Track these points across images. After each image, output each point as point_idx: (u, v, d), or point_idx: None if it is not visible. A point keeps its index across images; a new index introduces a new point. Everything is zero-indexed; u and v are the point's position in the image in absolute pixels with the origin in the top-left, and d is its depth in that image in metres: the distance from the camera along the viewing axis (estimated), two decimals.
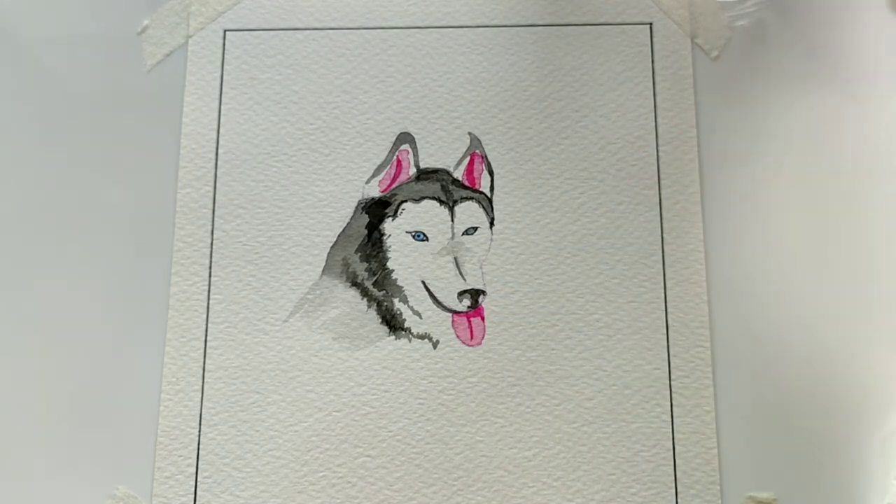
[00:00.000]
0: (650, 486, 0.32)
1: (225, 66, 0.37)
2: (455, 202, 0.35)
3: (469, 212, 0.35)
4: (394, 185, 0.36)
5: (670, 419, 0.33)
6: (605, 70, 0.37)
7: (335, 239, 0.35)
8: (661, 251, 0.35)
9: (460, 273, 0.34)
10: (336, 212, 0.35)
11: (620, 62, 0.37)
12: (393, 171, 0.36)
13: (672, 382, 0.33)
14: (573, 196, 0.35)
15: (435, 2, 0.38)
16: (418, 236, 0.35)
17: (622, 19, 0.37)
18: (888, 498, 0.32)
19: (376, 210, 0.35)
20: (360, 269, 0.35)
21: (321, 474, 0.32)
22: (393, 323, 0.34)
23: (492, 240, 0.35)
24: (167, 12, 0.39)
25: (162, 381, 0.33)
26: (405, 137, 0.36)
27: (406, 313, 0.34)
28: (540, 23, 0.38)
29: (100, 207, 0.36)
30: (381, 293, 0.34)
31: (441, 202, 0.35)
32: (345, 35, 0.38)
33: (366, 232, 0.35)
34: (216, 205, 0.35)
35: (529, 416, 0.33)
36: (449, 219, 0.35)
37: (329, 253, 0.35)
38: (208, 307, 0.34)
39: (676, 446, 0.32)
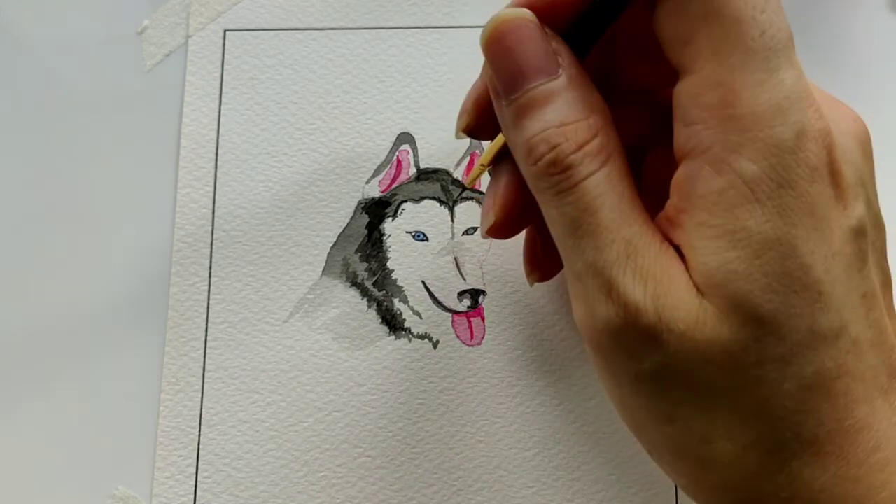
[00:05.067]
0: (650, 486, 0.32)
1: (225, 66, 0.37)
2: (455, 202, 0.35)
3: (469, 212, 0.35)
4: (394, 185, 0.36)
5: None
6: None
7: (335, 239, 0.35)
8: None
9: (460, 273, 0.34)
10: (336, 212, 0.35)
11: None
12: (393, 171, 0.36)
13: None
14: None
15: (435, 2, 0.38)
16: (418, 236, 0.35)
17: None
18: None
19: (376, 210, 0.35)
20: (360, 269, 0.35)
21: (321, 474, 0.32)
22: (393, 323, 0.34)
23: (492, 240, 0.35)
24: (167, 12, 0.38)
25: (162, 381, 0.33)
26: (405, 137, 0.36)
27: (406, 313, 0.34)
28: None
29: (99, 207, 0.36)
30: (381, 293, 0.34)
31: (441, 202, 0.35)
32: (345, 35, 0.38)
33: (366, 232, 0.35)
34: (216, 205, 0.35)
35: (529, 416, 0.33)
36: (449, 219, 0.35)
37: (329, 253, 0.35)
38: (208, 307, 0.34)
39: None
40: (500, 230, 0.26)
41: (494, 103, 0.23)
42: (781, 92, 0.19)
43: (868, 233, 0.21)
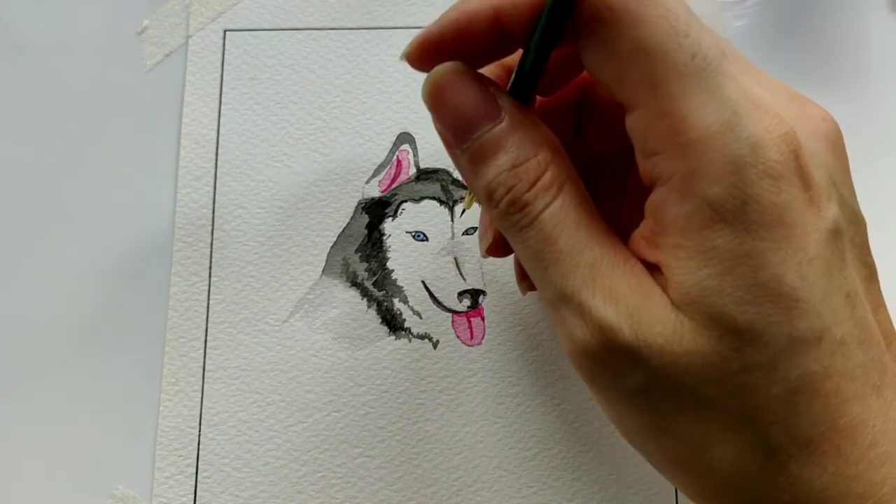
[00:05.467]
0: (650, 486, 0.32)
1: (225, 66, 0.37)
2: (455, 202, 0.35)
3: (469, 212, 0.35)
4: (394, 185, 0.36)
5: None
6: None
7: (335, 239, 0.35)
8: None
9: (460, 273, 0.34)
10: (336, 212, 0.36)
11: None
12: (393, 171, 0.36)
13: None
14: None
15: (435, 2, 0.38)
16: (418, 236, 0.35)
17: None
18: None
19: (376, 210, 0.35)
20: (360, 269, 0.35)
21: (321, 474, 0.32)
22: (393, 323, 0.34)
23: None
24: (167, 12, 0.39)
25: (162, 381, 0.33)
26: (405, 137, 0.36)
27: (406, 313, 0.34)
28: None
29: (99, 207, 0.36)
30: (381, 293, 0.34)
31: (441, 202, 0.35)
32: (345, 35, 0.38)
33: (366, 232, 0.35)
34: (216, 205, 0.35)
35: (529, 416, 0.33)
36: (449, 219, 0.35)
37: (329, 253, 0.35)
38: (208, 307, 0.34)
39: None
40: (497, 249, 0.27)
41: (448, 152, 0.24)
42: (728, 109, 0.19)
43: (844, 232, 0.21)
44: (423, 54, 0.23)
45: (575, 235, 0.21)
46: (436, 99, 0.23)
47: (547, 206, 0.21)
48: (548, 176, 0.22)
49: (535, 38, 0.21)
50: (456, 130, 0.23)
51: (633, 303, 0.20)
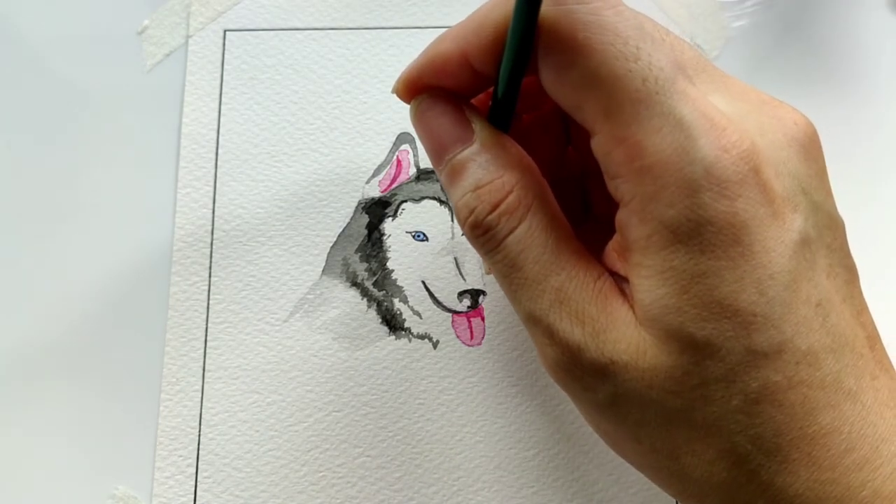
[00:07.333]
0: (650, 485, 0.32)
1: (225, 66, 0.37)
2: None
3: None
4: (394, 185, 0.36)
5: None
6: None
7: (335, 239, 0.35)
8: None
9: (460, 273, 0.34)
10: (336, 212, 0.36)
11: None
12: (393, 171, 0.36)
13: None
14: None
15: (435, 2, 0.38)
16: (418, 236, 0.35)
17: None
18: None
19: (376, 210, 0.35)
20: (360, 269, 0.35)
21: (321, 474, 0.32)
22: (393, 323, 0.34)
23: None
24: (167, 12, 0.39)
25: (162, 381, 0.33)
26: (405, 137, 0.36)
27: (406, 313, 0.34)
28: None
29: (99, 207, 0.36)
30: (381, 293, 0.34)
31: (441, 202, 0.35)
32: (345, 35, 0.38)
33: (366, 232, 0.35)
34: (216, 205, 0.35)
35: (529, 416, 0.33)
36: (449, 219, 0.35)
37: (329, 253, 0.35)
38: (208, 307, 0.34)
39: None
40: None
41: (436, 172, 0.25)
42: (682, 131, 0.19)
43: (816, 239, 0.21)
44: (408, 90, 0.24)
45: (541, 260, 0.22)
46: (416, 122, 0.24)
47: (512, 230, 0.22)
48: (512, 198, 0.22)
49: (501, 72, 0.22)
50: (433, 152, 0.24)
51: (600, 323, 0.21)
